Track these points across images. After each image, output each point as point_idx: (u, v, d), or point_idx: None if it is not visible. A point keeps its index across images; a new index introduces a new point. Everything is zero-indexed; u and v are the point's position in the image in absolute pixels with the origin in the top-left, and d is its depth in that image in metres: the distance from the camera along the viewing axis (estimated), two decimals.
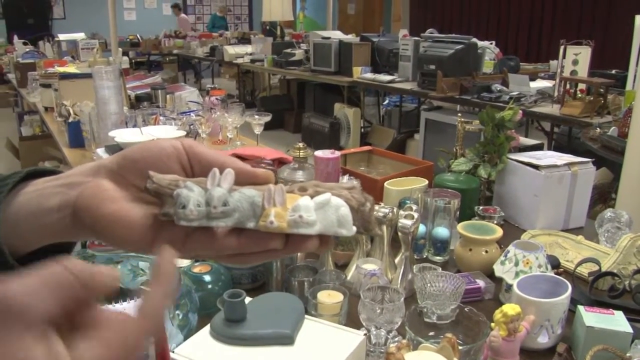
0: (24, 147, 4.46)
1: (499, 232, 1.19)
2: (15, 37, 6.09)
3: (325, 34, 6.10)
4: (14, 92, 6.30)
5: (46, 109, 3.24)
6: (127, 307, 0.86)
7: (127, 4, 11.53)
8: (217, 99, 2.62)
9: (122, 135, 2.05)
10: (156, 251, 0.37)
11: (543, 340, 0.91)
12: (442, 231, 1.27)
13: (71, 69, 3.39)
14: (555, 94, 3.58)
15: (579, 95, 3.32)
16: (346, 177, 1.41)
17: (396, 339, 0.91)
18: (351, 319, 0.96)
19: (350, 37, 5.98)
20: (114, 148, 1.97)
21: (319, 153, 1.34)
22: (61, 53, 5.04)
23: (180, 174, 0.38)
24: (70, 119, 2.35)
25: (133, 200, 0.37)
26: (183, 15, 11.14)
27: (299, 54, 6.21)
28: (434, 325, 0.92)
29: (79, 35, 5.32)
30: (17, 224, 0.37)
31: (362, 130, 5.58)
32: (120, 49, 5.58)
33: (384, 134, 5.45)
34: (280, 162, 1.73)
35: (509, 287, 1.01)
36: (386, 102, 6.14)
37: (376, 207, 1.09)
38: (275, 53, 6.56)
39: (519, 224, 1.46)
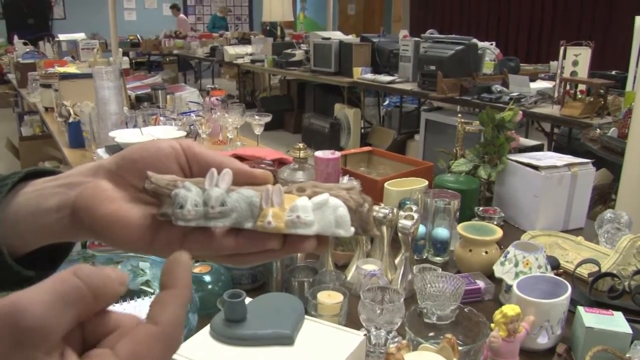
0: (24, 147, 4.46)
1: (498, 232, 1.19)
2: (16, 37, 6.09)
3: (325, 34, 6.10)
4: (14, 92, 6.30)
5: (46, 109, 3.24)
6: (127, 307, 0.86)
7: (127, 4, 11.53)
8: (217, 99, 2.62)
9: (122, 135, 2.05)
10: (155, 251, 0.37)
11: (543, 340, 0.91)
12: (442, 232, 1.27)
13: (71, 69, 3.40)
14: (555, 94, 3.58)
15: (579, 96, 3.32)
16: (346, 178, 1.41)
17: (396, 339, 0.91)
18: (351, 320, 0.96)
19: (351, 38, 5.98)
20: (114, 148, 1.97)
21: (319, 153, 1.34)
22: (61, 53, 5.05)
23: (179, 174, 0.38)
24: (71, 119, 2.35)
25: (131, 201, 0.37)
26: (182, 15, 11.14)
27: (299, 54, 6.22)
28: (433, 325, 0.92)
29: (79, 36, 5.32)
30: (16, 224, 0.37)
31: (362, 130, 5.58)
32: (120, 49, 5.58)
33: (384, 135, 5.46)
34: (280, 163, 1.73)
35: (509, 287, 1.01)
36: (386, 102, 6.14)
37: (376, 207, 1.10)
38: (276, 53, 6.56)
39: (518, 224, 1.46)
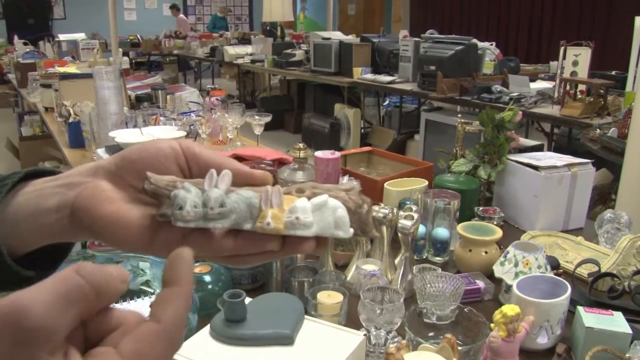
0: (24, 147, 4.46)
1: (498, 233, 1.19)
2: (16, 37, 6.09)
3: (325, 34, 6.11)
4: (14, 92, 6.31)
5: (46, 109, 3.24)
6: (127, 307, 0.86)
7: (127, 4, 11.53)
8: (217, 99, 2.62)
9: (122, 135, 2.05)
10: (155, 252, 0.37)
11: (542, 340, 0.91)
12: (441, 232, 1.27)
13: (71, 69, 3.40)
14: (555, 95, 3.58)
15: (579, 96, 3.32)
16: (346, 178, 1.41)
17: (396, 339, 0.91)
18: (351, 320, 0.96)
19: (351, 38, 5.98)
20: (114, 148, 1.97)
21: (319, 153, 1.34)
22: (61, 53, 5.05)
23: (178, 175, 0.38)
24: (71, 119, 2.35)
25: (131, 201, 0.37)
26: (181, 15, 11.14)
27: (299, 54, 6.22)
28: (433, 325, 0.92)
29: (79, 36, 5.32)
30: (15, 224, 0.37)
31: (362, 130, 5.58)
32: (120, 49, 5.58)
33: (384, 135, 5.46)
34: (280, 163, 1.73)
35: (509, 287, 1.01)
36: (386, 102, 6.14)
37: (376, 207, 1.10)
38: (276, 53, 6.56)
39: (518, 224, 1.46)
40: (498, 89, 3.81)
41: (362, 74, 5.11)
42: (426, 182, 1.41)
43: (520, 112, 1.53)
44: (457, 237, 1.24)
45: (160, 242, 0.36)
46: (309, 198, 0.35)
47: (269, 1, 6.96)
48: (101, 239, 0.37)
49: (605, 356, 0.85)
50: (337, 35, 5.97)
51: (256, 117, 2.32)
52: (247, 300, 0.80)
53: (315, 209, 0.35)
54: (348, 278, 1.12)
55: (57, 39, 5.48)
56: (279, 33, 8.26)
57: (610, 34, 7.06)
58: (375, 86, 4.99)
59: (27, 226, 0.37)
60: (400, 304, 0.90)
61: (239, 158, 1.79)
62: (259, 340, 0.75)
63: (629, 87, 3.17)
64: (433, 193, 1.31)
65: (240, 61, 7.20)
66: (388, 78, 4.80)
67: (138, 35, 9.73)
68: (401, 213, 1.10)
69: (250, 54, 7.18)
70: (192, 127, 2.32)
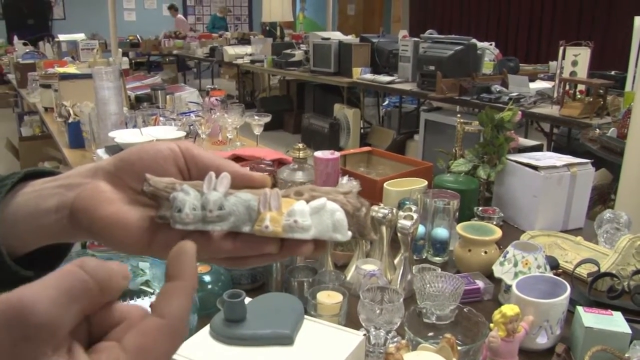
0: (23, 147, 4.46)
1: (498, 233, 1.20)
2: (15, 38, 6.09)
3: (325, 34, 6.11)
4: (14, 93, 6.31)
5: (46, 109, 3.24)
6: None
7: (127, 4, 11.53)
8: (216, 99, 2.62)
9: (122, 135, 2.05)
10: (154, 253, 0.37)
11: (542, 340, 0.92)
12: (441, 232, 1.27)
13: (71, 69, 3.40)
14: (555, 95, 3.59)
15: (579, 96, 3.32)
16: (346, 178, 1.41)
17: (395, 339, 0.92)
18: (350, 320, 0.96)
19: (350, 38, 5.99)
20: (114, 149, 1.97)
21: (318, 154, 1.34)
22: (61, 53, 5.04)
23: (177, 177, 0.38)
24: (70, 120, 2.35)
25: (130, 203, 0.37)
26: (180, 16, 11.15)
27: (298, 54, 6.22)
28: (433, 325, 0.92)
29: (79, 36, 5.32)
30: (15, 224, 0.38)
31: (362, 131, 5.58)
32: (120, 50, 5.58)
33: (384, 135, 5.46)
34: (280, 163, 1.73)
35: (508, 287, 1.01)
36: (386, 102, 6.14)
37: (375, 207, 1.10)
38: (275, 54, 6.56)
39: (518, 224, 1.46)
40: (497, 89, 3.81)
41: (361, 74, 5.11)
42: (426, 182, 1.41)
43: (520, 112, 1.53)
44: (456, 237, 1.24)
45: (159, 243, 0.36)
46: (308, 201, 0.36)
47: (269, 1, 6.96)
48: (100, 240, 0.37)
49: (605, 356, 0.85)
50: (337, 36, 5.97)
51: (256, 117, 2.32)
52: (247, 300, 0.80)
53: (314, 212, 0.35)
54: (348, 278, 1.12)
55: (56, 40, 5.48)
56: (278, 33, 8.27)
57: (609, 34, 7.07)
58: (375, 86, 4.99)
59: (27, 226, 0.38)
60: (399, 304, 0.90)
61: (239, 158, 1.79)
62: (258, 340, 0.75)
63: (628, 87, 3.18)
64: (432, 193, 1.31)
65: (239, 61, 7.20)
66: (387, 78, 4.80)
67: (138, 36, 9.73)
68: (401, 213, 1.11)
69: (250, 54, 7.18)
70: (191, 127, 2.32)
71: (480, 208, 1.42)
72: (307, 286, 1.03)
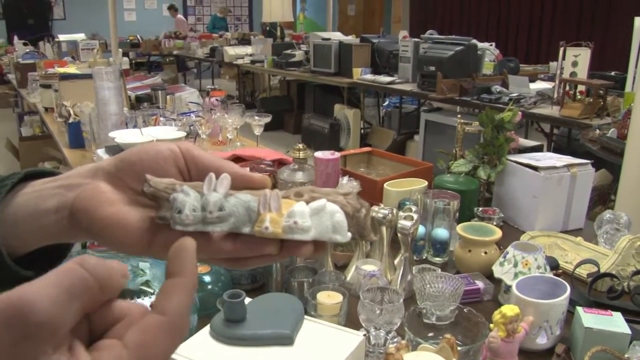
0: (23, 147, 4.46)
1: (498, 233, 1.20)
2: (16, 38, 6.09)
3: (325, 35, 6.11)
4: (14, 93, 6.31)
5: (46, 109, 3.25)
6: None
7: (127, 4, 11.53)
8: (217, 100, 2.62)
9: (122, 136, 2.05)
10: (153, 254, 0.37)
11: (542, 341, 0.92)
12: (441, 232, 1.27)
13: (71, 69, 3.40)
14: (555, 95, 3.59)
15: (579, 96, 3.32)
16: (346, 178, 1.41)
17: (395, 339, 0.92)
18: (350, 320, 0.97)
19: (350, 38, 5.99)
20: (114, 149, 1.97)
21: (318, 154, 1.34)
22: (61, 54, 5.05)
23: (177, 178, 0.38)
24: (71, 120, 2.35)
25: (130, 203, 0.37)
26: (180, 16, 11.15)
27: (299, 55, 6.22)
28: (433, 326, 0.92)
29: (79, 36, 5.32)
30: (15, 224, 0.38)
31: (362, 131, 5.58)
32: (120, 50, 5.58)
33: (384, 135, 5.46)
34: (280, 163, 1.73)
35: (508, 288, 1.01)
36: (386, 103, 6.15)
37: (376, 208, 1.10)
38: (275, 54, 6.56)
39: (518, 225, 1.46)
40: (498, 90, 3.81)
41: (361, 74, 5.11)
42: (426, 183, 1.41)
43: (520, 113, 1.53)
44: (456, 238, 1.24)
45: (158, 244, 0.36)
46: (307, 202, 0.36)
47: (269, 2, 6.96)
48: (100, 241, 0.37)
49: (605, 356, 0.85)
50: (337, 36, 5.97)
51: (256, 117, 2.32)
52: (247, 300, 0.80)
53: (314, 213, 0.35)
54: (348, 278, 1.12)
55: (57, 40, 5.48)
56: (278, 33, 8.26)
57: (609, 35, 7.07)
58: (375, 87, 4.99)
59: (27, 227, 0.38)
60: (399, 304, 0.90)
61: (239, 159, 1.79)
62: (258, 340, 0.75)
63: (628, 88, 3.18)
64: (433, 193, 1.31)
65: (240, 62, 7.20)
66: (388, 78, 4.81)
67: (138, 36, 9.74)
68: (401, 213, 1.11)
69: (250, 55, 7.19)
70: (191, 127, 2.32)
71: (481, 208, 1.42)
72: (307, 286, 1.03)
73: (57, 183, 0.38)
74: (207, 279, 1.02)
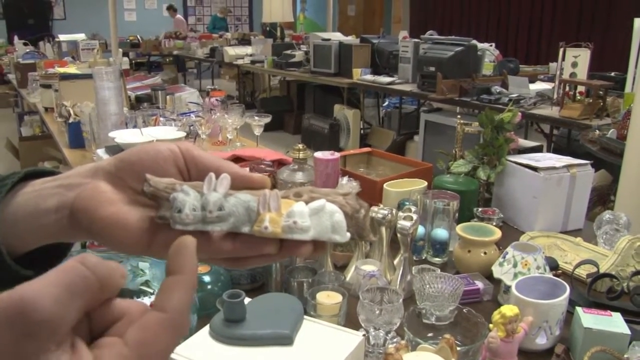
0: (23, 147, 4.46)
1: (497, 233, 1.20)
2: (16, 38, 6.09)
3: (325, 35, 6.11)
4: (14, 93, 6.31)
5: (46, 109, 3.25)
6: None
7: (127, 4, 11.54)
8: (217, 100, 2.62)
9: (122, 136, 2.05)
10: (153, 254, 0.37)
11: (541, 341, 0.92)
12: (441, 233, 1.27)
13: (71, 69, 3.40)
14: (555, 96, 3.59)
15: (578, 97, 3.32)
16: (345, 179, 1.41)
17: (395, 339, 0.92)
18: (350, 320, 0.97)
19: (350, 39, 5.99)
20: (114, 149, 1.98)
21: (318, 154, 1.34)
22: (61, 53, 5.05)
23: (177, 178, 0.38)
24: (71, 120, 2.35)
25: (130, 203, 0.37)
26: (179, 16, 11.15)
27: (299, 55, 6.22)
28: (432, 326, 0.92)
29: (79, 36, 5.32)
30: (15, 224, 0.38)
31: (362, 131, 5.58)
32: (120, 50, 5.58)
33: (384, 136, 5.46)
34: (280, 164, 1.73)
35: (508, 288, 1.01)
36: (386, 103, 6.15)
37: (375, 208, 1.10)
38: (275, 54, 6.57)
39: (517, 225, 1.46)
40: (497, 90, 3.81)
41: (361, 74, 5.11)
42: (425, 183, 1.41)
43: (520, 113, 1.53)
44: (456, 238, 1.24)
45: (158, 244, 0.37)
46: (307, 202, 0.36)
47: (269, 2, 6.96)
48: (100, 240, 0.37)
49: (604, 357, 0.85)
50: (337, 36, 5.98)
51: (256, 117, 2.32)
52: (247, 300, 0.80)
53: (313, 213, 0.35)
54: (347, 279, 1.12)
55: (57, 40, 5.48)
56: (278, 34, 8.26)
57: (609, 36, 7.07)
58: (375, 87, 4.99)
59: (27, 226, 0.38)
60: (399, 304, 0.91)
61: (239, 159, 1.79)
62: (258, 340, 0.75)
63: (628, 89, 3.18)
64: (432, 194, 1.32)
65: (240, 62, 7.20)
66: (388, 79, 4.81)
67: (138, 36, 9.74)
68: (400, 214, 1.11)
69: (250, 55, 7.19)
70: (191, 127, 2.32)
71: (480, 209, 1.42)
72: (306, 286, 1.03)
73: (57, 182, 0.39)
74: (206, 279, 1.02)
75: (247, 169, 0.41)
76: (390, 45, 5.28)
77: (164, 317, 0.28)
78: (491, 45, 5.07)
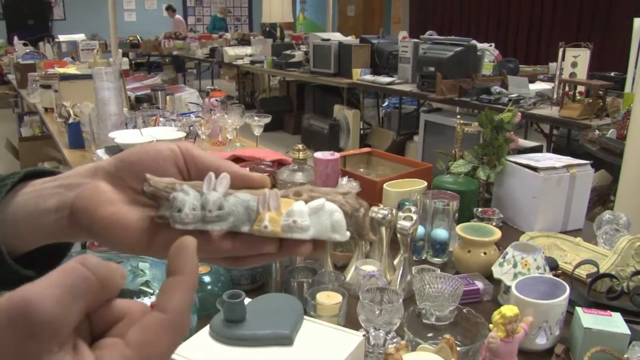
0: (23, 147, 4.46)
1: (497, 233, 1.20)
2: (16, 38, 6.09)
3: (325, 35, 6.11)
4: (14, 93, 6.31)
5: (46, 109, 3.25)
6: None
7: (127, 5, 11.54)
8: (216, 100, 2.62)
9: (122, 136, 2.05)
10: (153, 253, 0.37)
11: (541, 341, 0.92)
12: (441, 233, 1.27)
13: (71, 70, 3.40)
14: (554, 96, 3.59)
15: (578, 97, 3.33)
16: (345, 179, 1.41)
17: (395, 340, 0.92)
18: (350, 320, 0.97)
19: (350, 39, 5.99)
20: (114, 149, 1.97)
21: (318, 154, 1.34)
22: (61, 54, 5.04)
23: (177, 177, 0.38)
24: (70, 120, 2.35)
25: (130, 203, 0.38)
26: (178, 16, 11.15)
27: (298, 55, 6.22)
28: (432, 326, 0.92)
29: (79, 36, 5.32)
30: (15, 224, 0.38)
31: (362, 131, 5.58)
32: (120, 50, 5.58)
33: (384, 136, 5.46)
34: (279, 164, 1.73)
35: (508, 288, 1.01)
36: (386, 103, 6.15)
37: (375, 208, 1.10)
38: (275, 54, 6.57)
39: (517, 225, 1.46)
40: (497, 90, 3.81)
41: (361, 75, 5.11)
42: (425, 183, 1.41)
43: (519, 113, 1.53)
44: (456, 238, 1.24)
45: (158, 243, 0.37)
46: (307, 201, 0.36)
47: (269, 2, 6.96)
48: (100, 240, 0.37)
49: (604, 357, 0.85)
50: (337, 37, 5.98)
51: (256, 118, 2.32)
52: (247, 300, 0.80)
53: (313, 212, 0.35)
54: (347, 279, 1.12)
55: (56, 40, 5.47)
56: (278, 34, 8.26)
57: (609, 36, 7.07)
58: (375, 87, 4.99)
59: (27, 226, 0.38)
60: (399, 304, 0.91)
61: (239, 159, 1.79)
62: (258, 340, 0.75)
63: (627, 89, 3.18)
64: (432, 194, 1.32)
65: (239, 62, 7.20)
66: (387, 79, 4.81)
67: (138, 36, 9.74)
68: (400, 214, 1.11)
69: (250, 55, 7.19)
70: (191, 128, 2.32)
71: (480, 209, 1.42)
72: (306, 287, 1.03)
73: (57, 182, 0.39)
74: (206, 279, 1.02)
75: (247, 169, 0.41)
76: (389, 45, 5.28)
77: (164, 317, 0.28)
78: (491, 45, 5.07)
